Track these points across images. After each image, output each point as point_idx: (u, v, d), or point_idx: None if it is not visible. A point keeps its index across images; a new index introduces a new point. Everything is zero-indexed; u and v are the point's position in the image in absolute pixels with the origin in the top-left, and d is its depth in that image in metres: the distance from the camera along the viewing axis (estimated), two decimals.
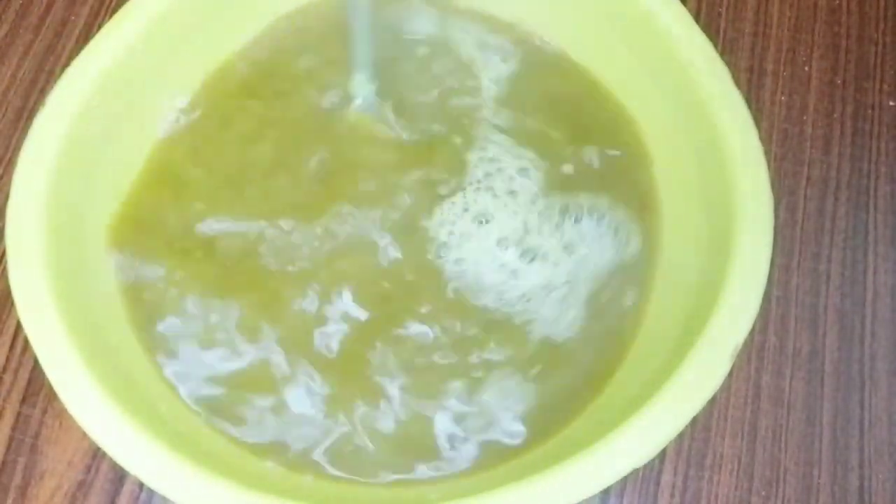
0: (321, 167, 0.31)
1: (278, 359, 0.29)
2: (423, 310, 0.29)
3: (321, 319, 0.29)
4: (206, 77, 0.32)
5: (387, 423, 0.28)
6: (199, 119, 0.32)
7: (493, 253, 0.30)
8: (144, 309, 0.29)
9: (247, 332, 0.29)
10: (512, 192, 0.31)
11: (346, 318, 0.29)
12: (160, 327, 0.29)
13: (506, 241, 0.30)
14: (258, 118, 0.32)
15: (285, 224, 0.30)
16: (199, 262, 0.30)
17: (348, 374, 0.29)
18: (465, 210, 0.31)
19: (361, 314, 0.29)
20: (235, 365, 0.29)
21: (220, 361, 0.29)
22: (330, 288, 0.30)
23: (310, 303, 0.29)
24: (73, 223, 0.28)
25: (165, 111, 0.32)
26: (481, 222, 0.31)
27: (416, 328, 0.29)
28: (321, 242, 0.30)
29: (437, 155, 0.32)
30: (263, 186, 0.31)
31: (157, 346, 0.29)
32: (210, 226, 0.31)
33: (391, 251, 0.30)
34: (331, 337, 0.29)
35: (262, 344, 0.29)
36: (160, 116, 0.32)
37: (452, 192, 0.31)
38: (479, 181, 0.31)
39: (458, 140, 0.32)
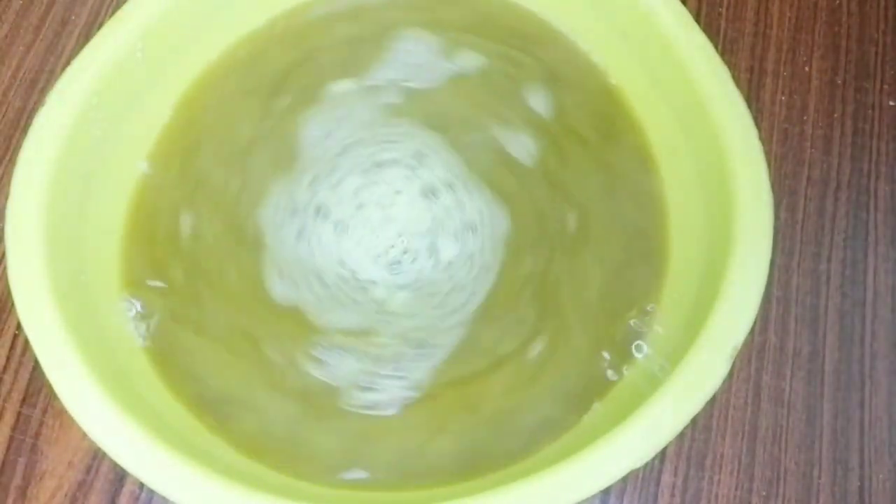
0: None
1: (280, 359, 0.29)
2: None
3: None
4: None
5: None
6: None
7: None
8: (145, 309, 0.29)
9: (246, 334, 0.29)
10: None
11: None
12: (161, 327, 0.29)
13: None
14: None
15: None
16: (203, 261, 0.30)
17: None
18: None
19: None
20: (236, 365, 0.29)
21: (221, 361, 0.29)
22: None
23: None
24: (73, 223, 0.28)
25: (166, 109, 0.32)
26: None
27: None
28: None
29: None
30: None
31: (157, 346, 0.29)
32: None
33: None
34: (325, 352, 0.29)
35: (262, 346, 0.29)
36: (160, 115, 0.32)
37: None
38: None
39: None
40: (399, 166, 0.31)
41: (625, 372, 0.28)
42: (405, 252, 0.30)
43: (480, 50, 0.33)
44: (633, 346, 0.28)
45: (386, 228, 0.30)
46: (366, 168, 0.31)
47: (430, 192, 0.31)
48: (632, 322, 0.29)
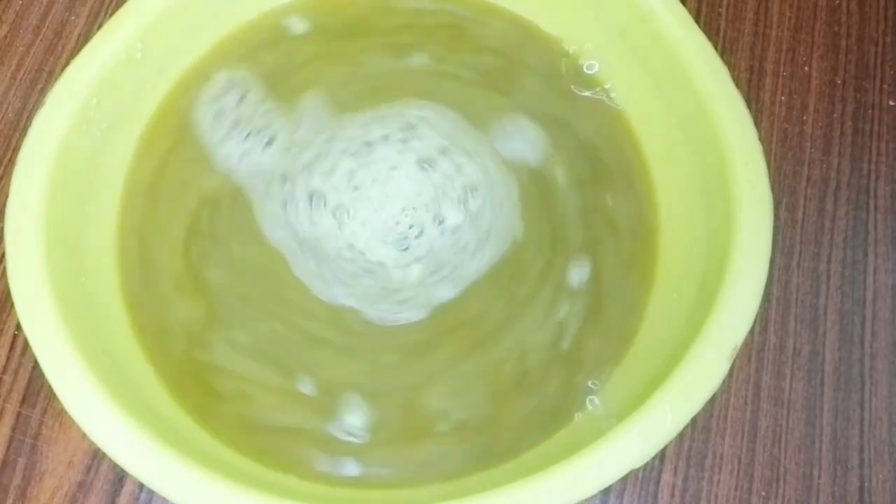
0: None
1: (279, 361, 0.29)
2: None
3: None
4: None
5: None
6: None
7: None
8: (145, 309, 0.29)
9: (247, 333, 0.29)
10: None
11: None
12: (160, 328, 0.29)
13: None
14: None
15: None
16: (202, 261, 0.30)
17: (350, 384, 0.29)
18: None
19: None
20: (235, 367, 0.29)
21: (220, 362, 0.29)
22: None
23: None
24: (72, 223, 0.28)
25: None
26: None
27: None
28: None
29: None
30: None
31: (157, 347, 0.29)
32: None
33: None
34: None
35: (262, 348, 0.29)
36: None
37: None
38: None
39: None
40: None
41: None
42: (410, 227, 0.30)
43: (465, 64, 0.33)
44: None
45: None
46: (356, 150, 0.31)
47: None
48: None
